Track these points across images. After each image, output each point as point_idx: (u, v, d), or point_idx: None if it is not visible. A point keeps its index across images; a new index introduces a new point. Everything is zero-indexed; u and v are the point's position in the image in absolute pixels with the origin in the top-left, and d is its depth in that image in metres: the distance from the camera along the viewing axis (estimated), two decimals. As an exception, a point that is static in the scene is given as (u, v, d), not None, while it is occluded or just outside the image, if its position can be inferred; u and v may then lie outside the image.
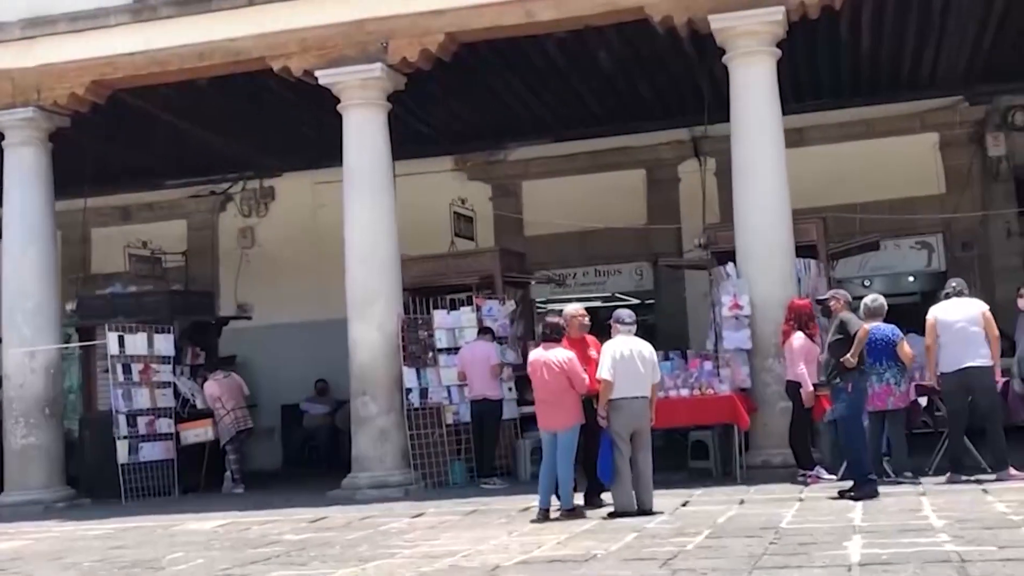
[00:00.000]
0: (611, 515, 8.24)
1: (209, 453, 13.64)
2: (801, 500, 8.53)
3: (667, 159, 16.30)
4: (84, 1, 12.19)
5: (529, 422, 12.40)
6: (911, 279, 16.93)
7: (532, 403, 12.26)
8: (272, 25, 11.78)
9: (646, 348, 8.44)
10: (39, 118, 12.52)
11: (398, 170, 17.12)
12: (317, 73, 11.72)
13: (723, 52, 12.54)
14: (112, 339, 12.73)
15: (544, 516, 8.33)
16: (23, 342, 12.33)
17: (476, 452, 11.61)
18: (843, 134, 15.23)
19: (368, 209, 11.70)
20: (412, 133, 16.03)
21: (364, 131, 11.77)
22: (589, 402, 8.36)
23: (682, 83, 14.38)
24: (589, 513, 8.44)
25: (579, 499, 8.62)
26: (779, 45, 11.04)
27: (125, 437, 12.72)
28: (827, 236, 12.10)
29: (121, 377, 12.79)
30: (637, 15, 11.29)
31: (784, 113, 11.31)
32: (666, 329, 15.96)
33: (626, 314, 8.64)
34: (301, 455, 16.78)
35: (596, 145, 16.38)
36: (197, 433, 13.48)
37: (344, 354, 16.26)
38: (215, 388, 13.38)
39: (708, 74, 13.88)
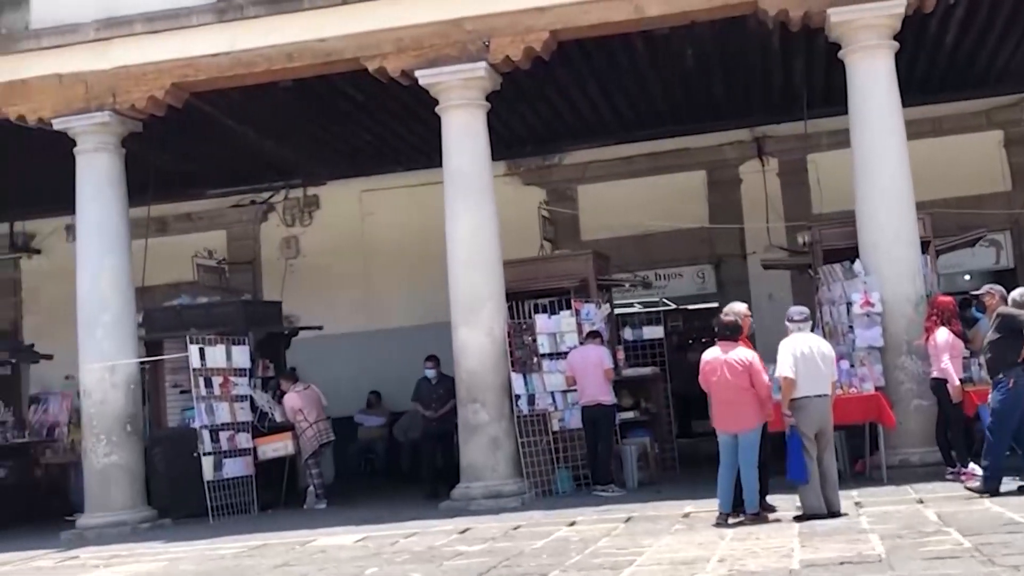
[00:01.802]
0: (798, 518, 7.98)
1: (287, 468, 13.16)
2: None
3: (729, 160, 16.15)
4: (163, 1, 11.72)
5: (629, 428, 12.19)
6: (966, 277, 16.91)
7: (630, 408, 12.25)
8: (366, 24, 11.42)
9: (824, 345, 8.22)
10: (114, 123, 12.01)
11: (437, 177, 16.97)
12: (417, 73, 11.35)
13: (810, 47, 12.59)
14: (194, 352, 12.21)
15: (724, 520, 8.05)
16: (103, 356, 11.78)
17: (589, 459, 11.28)
18: (912, 132, 15.14)
19: (471, 212, 11.35)
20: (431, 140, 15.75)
21: (465, 132, 11.44)
22: None
23: (753, 82, 14.27)
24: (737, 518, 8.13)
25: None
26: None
27: (209, 453, 12.18)
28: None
29: (203, 391, 12.27)
30: (747, 9, 11.11)
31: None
32: (731, 332, 15.74)
33: (796, 311, 8.42)
34: (357, 467, 16.30)
35: (654, 147, 16.20)
36: (276, 447, 12.98)
37: (395, 364, 16.12)
38: (296, 400, 12.91)
39: (782, 71, 13.85)
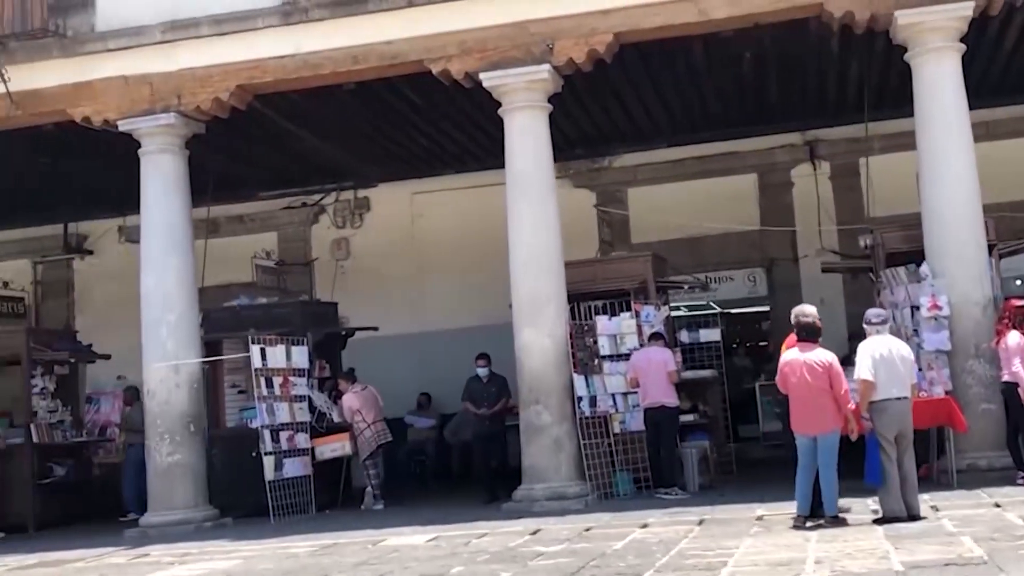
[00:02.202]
0: (877, 521, 7.96)
1: (344, 468, 13.24)
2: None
3: (780, 163, 16.12)
4: (229, 3, 11.83)
5: (688, 431, 12.18)
6: (1017, 282, 16.80)
7: (688, 411, 12.23)
8: (430, 27, 11.48)
9: (903, 347, 8.20)
10: (178, 124, 12.13)
11: (498, 178, 17.08)
12: (481, 75, 11.41)
13: (869, 50, 12.55)
14: (255, 352, 12.29)
15: (802, 523, 8.04)
16: (166, 356, 11.89)
17: (651, 462, 11.28)
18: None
19: (533, 213, 11.38)
20: (498, 142, 15.77)
21: (528, 134, 11.47)
22: None
23: (808, 85, 14.25)
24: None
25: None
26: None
27: (270, 453, 12.27)
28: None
29: (264, 391, 12.35)
30: (813, 11, 11.11)
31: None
32: (782, 336, 15.70)
33: (874, 314, 8.41)
34: (407, 469, 16.35)
35: (705, 150, 16.20)
36: (334, 448, 13.05)
37: (444, 366, 16.16)
38: (354, 401, 12.98)
39: (837, 74, 13.83)
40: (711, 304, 17.03)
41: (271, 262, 15.60)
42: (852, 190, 15.78)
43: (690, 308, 16.35)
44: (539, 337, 11.19)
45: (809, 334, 8.15)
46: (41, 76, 12.20)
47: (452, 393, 16.27)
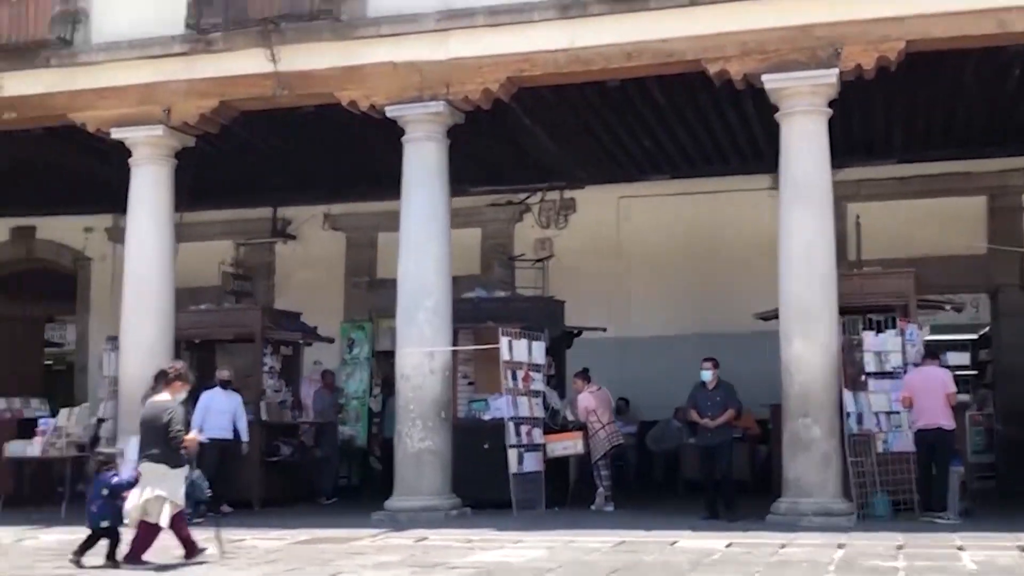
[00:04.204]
0: None
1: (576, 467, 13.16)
2: None
3: (1013, 186, 15.63)
4: (505, -6, 11.86)
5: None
6: None
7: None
8: (710, 26, 11.34)
9: None
10: (445, 112, 12.17)
11: (709, 186, 16.93)
12: (764, 78, 11.23)
13: None
14: (504, 344, 12.30)
15: None
16: (423, 342, 11.91)
17: (921, 484, 10.95)
18: None
19: (810, 221, 11.13)
20: (720, 147, 15.64)
21: (808, 139, 11.24)
22: None
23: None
24: None
25: None
26: None
27: (514, 446, 12.23)
28: None
29: (511, 383, 12.33)
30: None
31: None
32: (1009, 366, 15.27)
33: None
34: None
35: (932, 169, 15.81)
36: (566, 445, 13.00)
37: (644, 372, 16.01)
38: (591, 401, 12.90)
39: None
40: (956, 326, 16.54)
41: (505, 256, 15.58)
42: (1089, 217, 15.26)
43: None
44: (811, 349, 10.93)
45: None
46: (310, 58, 12.36)
47: (652, 400, 16.18)
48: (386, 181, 16.72)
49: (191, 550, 8.24)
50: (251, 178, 16.93)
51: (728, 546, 9.01)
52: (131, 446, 12.16)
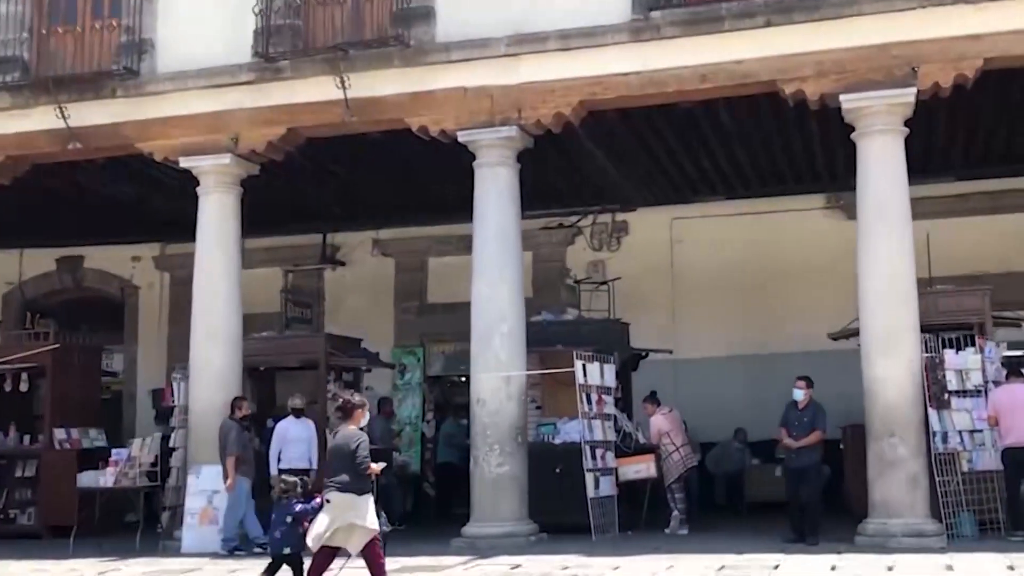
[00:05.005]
0: None
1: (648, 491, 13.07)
2: None
3: (1076, 204, 15.61)
4: (577, 19, 11.86)
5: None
6: None
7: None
8: (786, 47, 11.35)
9: None
10: (517, 137, 12.18)
11: (757, 207, 16.89)
12: (841, 98, 11.21)
13: None
14: (579, 367, 12.25)
15: None
16: (499, 366, 11.86)
17: (1010, 503, 10.85)
18: None
19: (890, 240, 11.11)
20: (778, 168, 15.63)
21: (884, 159, 11.23)
22: None
23: None
24: None
25: None
26: None
27: (591, 470, 12.15)
28: None
29: (586, 407, 12.26)
30: None
31: None
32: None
33: None
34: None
35: (989, 186, 15.78)
36: (638, 469, 12.93)
37: (699, 396, 15.91)
38: (664, 423, 12.84)
39: None
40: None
41: (571, 280, 15.54)
42: None
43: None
44: (895, 369, 10.87)
45: None
46: (379, 84, 12.37)
47: (707, 421, 16.09)
48: (436, 206, 16.94)
49: None
50: (301, 205, 16.92)
51: (833, 569, 8.92)
52: (203, 475, 12.17)
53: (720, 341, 16.62)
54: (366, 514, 7.88)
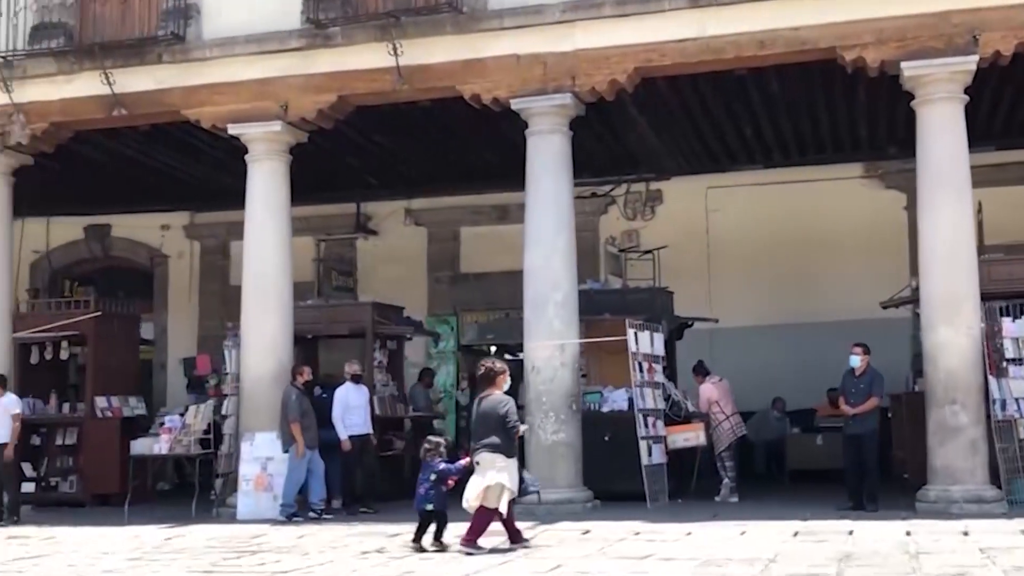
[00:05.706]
0: None
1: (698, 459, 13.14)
2: None
3: None
4: (634, -16, 11.78)
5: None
6: None
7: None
8: (846, 14, 11.29)
9: None
10: (571, 105, 12.11)
11: (795, 176, 16.85)
12: (903, 65, 11.18)
13: None
14: (631, 336, 12.26)
15: None
16: (552, 335, 11.87)
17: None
18: None
19: (950, 207, 11.11)
20: (820, 136, 15.60)
21: (947, 126, 11.20)
22: None
23: None
24: None
25: None
26: None
27: (644, 438, 12.20)
28: None
29: (637, 376, 12.29)
30: None
31: None
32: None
33: None
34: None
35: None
36: (687, 437, 12.96)
37: (734, 363, 15.91)
38: (713, 392, 12.89)
39: None
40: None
41: (615, 249, 15.51)
42: None
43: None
44: (956, 336, 10.92)
45: None
46: (432, 52, 12.29)
47: (745, 390, 16.08)
48: (472, 175, 16.87)
49: (516, 538, 8.60)
50: (337, 174, 16.84)
51: (908, 534, 8.98)
52: (257, 442, 12.18)
53: (756, 310, 16.64)
54: (512, 476, 8.13)
